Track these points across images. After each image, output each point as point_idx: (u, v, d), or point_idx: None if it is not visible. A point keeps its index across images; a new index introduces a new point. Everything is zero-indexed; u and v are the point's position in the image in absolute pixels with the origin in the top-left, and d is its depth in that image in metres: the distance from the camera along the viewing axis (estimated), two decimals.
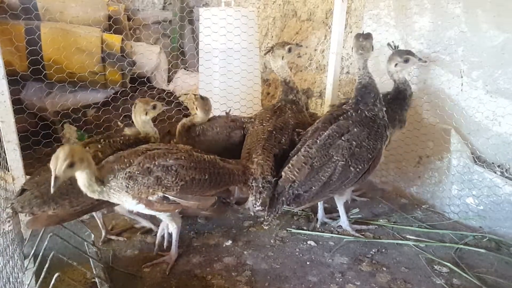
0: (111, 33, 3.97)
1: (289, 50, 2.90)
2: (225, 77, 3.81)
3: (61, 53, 3.60)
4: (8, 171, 2.54)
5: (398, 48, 2.93)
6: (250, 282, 2.27)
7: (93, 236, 2.40)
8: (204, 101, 2.84)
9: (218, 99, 3.76)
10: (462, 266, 2.39)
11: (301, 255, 2.53)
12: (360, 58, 2.54)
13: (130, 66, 3.99)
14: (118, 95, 4.02)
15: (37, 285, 1.73)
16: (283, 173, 2.41)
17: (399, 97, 2.87)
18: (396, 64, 2.83)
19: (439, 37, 3.03)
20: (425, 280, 2.30)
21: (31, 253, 2.16)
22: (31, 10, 3.70)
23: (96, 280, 2.08)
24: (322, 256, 2.51)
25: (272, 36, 5.30)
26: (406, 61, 2.81)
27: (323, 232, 2.77)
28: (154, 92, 4.24)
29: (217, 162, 2.33)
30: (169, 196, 2.11)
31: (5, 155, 2.47)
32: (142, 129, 2.54)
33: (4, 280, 1.70)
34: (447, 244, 2.62)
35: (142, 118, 2.51)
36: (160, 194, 2.09)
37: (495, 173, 2.77)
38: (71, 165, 1.80)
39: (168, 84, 5.03)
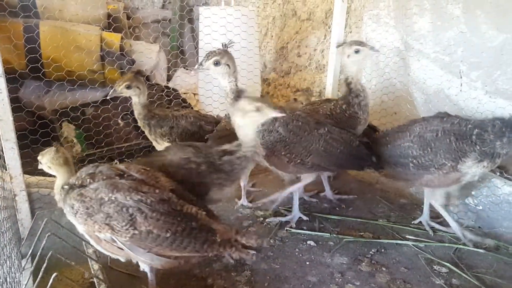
0: (110, 31, 3.96)
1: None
2: None
3: (60, 51, 3.59)
4: (6, 169, 2.52)
5: None
6: (250, 282, 2.27)
7: None
8: None
9: (218, 98, 3.76)
10: (461, 266, 2.39)
11: (300, 255, 2.52)
12: (356, 62, 2.66)
13: (129, 65, 3.98)
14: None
15: (35, 285, 1.72)
16: None
17: None
18: None
19: (439, 38, 3.03)
20: (424, 280, 2.29)
21: (29, 253, 2.15)
22: (30, 8, 3.68)
23: (94, 280, 2.07)
24: (321, 256, 2.51)
25: (272, 36, 5.29)
26: None
27: (322, 232, 2.76)
28: (155, 90, 4.20)
29: (196, 218, 1.84)
30: (117, 240, 1.77)
31: (3, 153, 2.46)
32: None
33: (1, 280, 1.68)
34: (446, 244, 2.62)
35: None
36: (108, 235, 1.75)
37: (494, 173, 2.77)
38: None
39: (167, 83, 5.02)
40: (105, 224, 1.72)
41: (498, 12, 2.66)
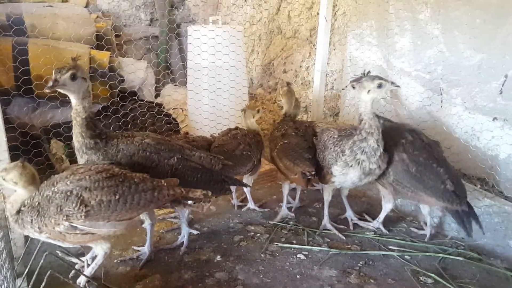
0: (99, 50, 4.00)
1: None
2: (214, 94, 3.89)
3: (50, 69, 3.61)
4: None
5: None
6: None
7: (84, 253, 2.41)
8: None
9: (208, 115, 3.84)
10: (446, 277, 2.48)
11: (291, 268, 2.58)
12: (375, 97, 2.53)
13: (119, 84, 4.02)
14: (104, 110, 4.02)
15: None
16: None
17: None
18: None
19: (419, 57, 3.18)
20: None
21: (25, 272, 2.16)
22: (19, 27, 3.71)
23: None
24: (311, 269, 2.57)
25: (258, 52, 5.41)
26: None
27: (311, 245, 2.83)
28: (143, 104, 4.22)
29: (134, 177, 2.02)
30: (77, 225, 1.87)
31: None
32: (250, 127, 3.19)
33: None
34: (432, 254, 2.71)
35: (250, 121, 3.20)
36: (66, 223, 1.86)
37: (475, 186, 2.90)
38: None
39: (156, 99, 5.06)
40: (58, 214, 1.84)
41: (474, 34, 2.82)
